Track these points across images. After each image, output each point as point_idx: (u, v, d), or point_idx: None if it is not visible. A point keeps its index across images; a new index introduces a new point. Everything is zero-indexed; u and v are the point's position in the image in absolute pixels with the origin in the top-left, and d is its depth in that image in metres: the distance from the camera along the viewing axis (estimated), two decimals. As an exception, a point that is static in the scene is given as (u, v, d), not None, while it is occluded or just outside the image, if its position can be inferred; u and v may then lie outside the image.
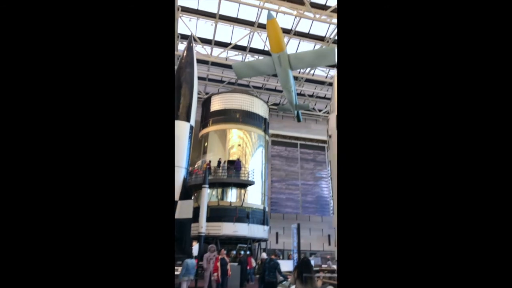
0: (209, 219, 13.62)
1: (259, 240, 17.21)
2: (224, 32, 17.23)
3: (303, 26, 16.75)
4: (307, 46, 17.78)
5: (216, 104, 18.58)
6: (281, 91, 19.84)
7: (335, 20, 15.16)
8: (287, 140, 22.21)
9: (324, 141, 20.99)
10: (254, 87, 21.46)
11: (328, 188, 21.25)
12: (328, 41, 17.16)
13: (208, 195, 13.76)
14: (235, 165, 16.24)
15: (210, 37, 17.38)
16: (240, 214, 15.76)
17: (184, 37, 16.40)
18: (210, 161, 16.37)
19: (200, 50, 17.44)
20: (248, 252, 15.94)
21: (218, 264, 8.88)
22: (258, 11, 15.55)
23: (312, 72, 19.99)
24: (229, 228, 15.30)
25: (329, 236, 20.53)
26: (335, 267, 10.16)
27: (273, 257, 7.88)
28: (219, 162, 16.40)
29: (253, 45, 18.10)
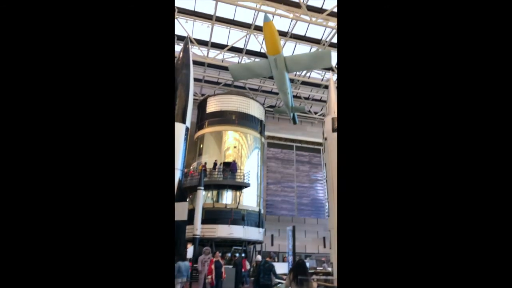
0: (204, 221, 13.59)
1: (254, 243, 17.18)
2: (221, 34, 17.24)
3: (300, 29, 16.81)
4: (303, 48, 17.85)
5: (212, 106, 18.58)
6: (277, 93, 19.87)
7: (331, 23, 15.25)
8: (283, 142, 22.25)
9: (319, 144, 21.05)
10: (250, 89, 21.47)
11: (323, 190, 21.28)
12: (324, 44, 17.23)
13: (203, 197, 13.72)
14: (230, 167, 16.22)
15: (207, 39, 17.37)
16: (236, 216, 15.72)
17: (180, 38, 16.37)
18: (205, 163, 16.32)
19: (196, 51, 17.42)
20: (243, 255, 15.91)
21: (213, 266, 8.84)
22: (254, 13, 15.58)
23: (308, 74, 20.05)
24: (224, 230, 15.26)
25: (324, 238, 20.55)
26: (330, 269, 10.15)
27: (268, 259, 7.86)
28: (214, 164, 16.36)
29: (249, 47, 18.12)
